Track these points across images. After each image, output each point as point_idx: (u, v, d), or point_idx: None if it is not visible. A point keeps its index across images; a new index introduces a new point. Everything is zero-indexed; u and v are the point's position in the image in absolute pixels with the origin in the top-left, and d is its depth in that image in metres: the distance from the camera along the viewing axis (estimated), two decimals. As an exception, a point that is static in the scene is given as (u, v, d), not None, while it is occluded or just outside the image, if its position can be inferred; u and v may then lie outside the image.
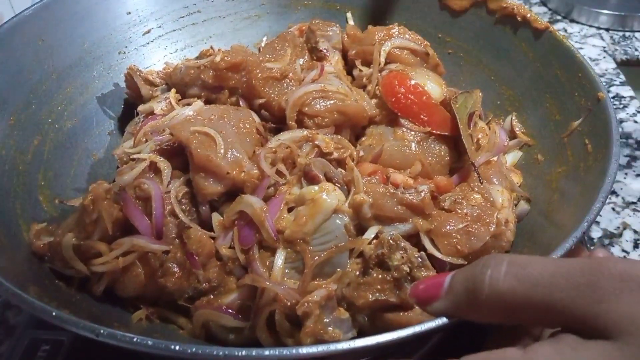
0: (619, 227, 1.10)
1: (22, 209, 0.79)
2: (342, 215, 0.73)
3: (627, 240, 1.08)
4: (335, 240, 0.72)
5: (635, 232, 1.09)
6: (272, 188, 0.78)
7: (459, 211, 0.77)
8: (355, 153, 0.86)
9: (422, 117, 0.87)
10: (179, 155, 0.81)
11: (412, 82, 0.90)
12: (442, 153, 0.87)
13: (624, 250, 1.06)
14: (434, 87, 0.93)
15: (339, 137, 0.87)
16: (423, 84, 0.92)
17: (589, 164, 0.77)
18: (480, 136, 0.93)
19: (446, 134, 0.87)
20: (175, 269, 0.74)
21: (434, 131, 0.87)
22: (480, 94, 0.94)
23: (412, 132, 0.87)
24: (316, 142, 0.82)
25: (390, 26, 1.04)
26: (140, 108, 0.97)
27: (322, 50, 1.04)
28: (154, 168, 0.80)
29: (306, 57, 1.04)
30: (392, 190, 0.76)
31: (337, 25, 1.08)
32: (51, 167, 0.89)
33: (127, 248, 0.72)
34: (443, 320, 0.55)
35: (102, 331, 0.54)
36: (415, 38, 1.02)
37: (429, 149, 0.87)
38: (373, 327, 0.68)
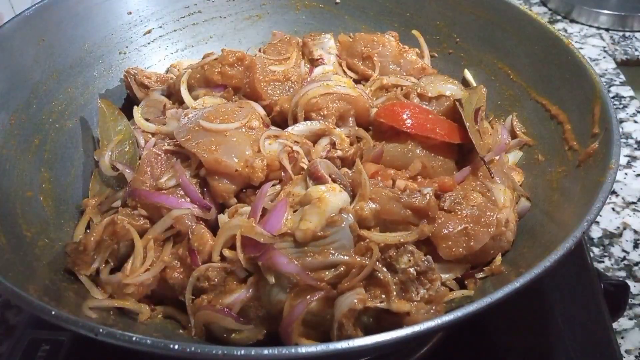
0: (619, 227, 1.10)
1: (22, 209, 0.79)
2: (346, 215, 0.73)
3: (627, 240, 1.08)
4: (341, 240, 0.72)
5: (635, 232, 1.09)
6: (279, 185, 0.81)
7: (459, 212, 0.77)
8: (368, 145, 0.87)
9: (437, 130, 0.86)
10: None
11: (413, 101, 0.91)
12: (447, 156, 0.87)
13: (624, 250, 1.06)
14: (448, 88, 0.93)
15: (357, 128, 0.90)
16: (441, 90, 0.92)
17: (589, 164, 0.77)
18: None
19: (456, 141, 0.86)
20: (176, 264, 0.76)
21: (445, 140, 0.86)
22: (484, 90, 0.94)
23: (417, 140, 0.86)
24: (332, 137, 0.86)
25: (373, 36, 1.07)
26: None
27: (318, 60, 1.06)
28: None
29: (307, 66, 1.07)
30: (398, 194, 0.76)
31: (330, 33, 1.09)
32: (52, 167, 0.89)
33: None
34: (443, 320, 0.55)
35: (101, 330, 0.54)
36: (395, 50, 1.05)
37: (434, 154, 0.86)
38: (379, 327, 0.68)
